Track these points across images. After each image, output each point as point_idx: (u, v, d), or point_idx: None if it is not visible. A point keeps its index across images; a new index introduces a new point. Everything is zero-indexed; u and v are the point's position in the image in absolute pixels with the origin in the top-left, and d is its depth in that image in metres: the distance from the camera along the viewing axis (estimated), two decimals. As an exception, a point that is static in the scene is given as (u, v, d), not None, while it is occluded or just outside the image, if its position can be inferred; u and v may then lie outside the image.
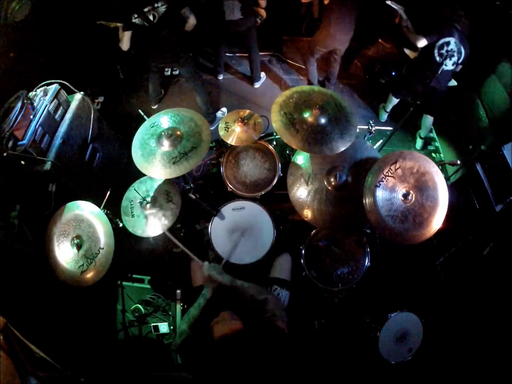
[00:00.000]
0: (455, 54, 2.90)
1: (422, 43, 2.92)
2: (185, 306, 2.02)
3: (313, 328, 2.36)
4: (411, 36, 2.99)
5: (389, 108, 3.67)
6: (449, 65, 2.94)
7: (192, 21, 2.90)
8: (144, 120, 2.27)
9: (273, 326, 1.34)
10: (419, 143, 3.61)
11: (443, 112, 3.54)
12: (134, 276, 2.47)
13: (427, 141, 3.67)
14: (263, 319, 1.42)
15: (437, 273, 2.69)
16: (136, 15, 2.70)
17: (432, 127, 3.63)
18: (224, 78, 4.16)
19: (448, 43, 2.88)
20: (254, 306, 1.53)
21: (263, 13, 3.40)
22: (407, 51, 3.71)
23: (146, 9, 2.68)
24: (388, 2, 3.01)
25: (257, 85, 4.05)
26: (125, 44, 2.85)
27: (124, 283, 2.45)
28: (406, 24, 3.06)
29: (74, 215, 2.02)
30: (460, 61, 2.95)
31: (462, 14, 2.87)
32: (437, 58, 2.93)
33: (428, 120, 3.43)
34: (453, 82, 3.13)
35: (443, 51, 2.91)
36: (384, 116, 3.76)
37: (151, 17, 2.72)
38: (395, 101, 3.57)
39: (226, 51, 4.04)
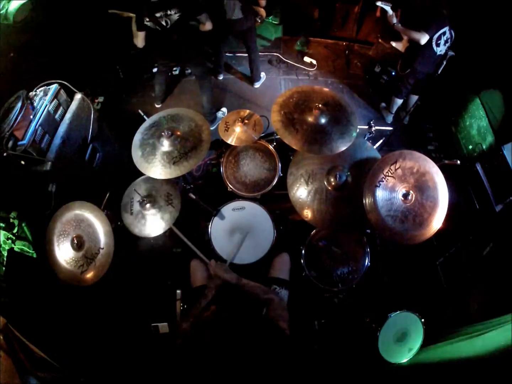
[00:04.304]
0: (449, 40, 2.99)
1: (424, 39, 2.89)
2: (185, 306, 2.02)
3: (313, 328, 2.36)
4: (411, 33, 2.96)
5: (394, 109, 3.67)
6: (443, 50, 3.00)
7: (208, 26, 2.94)
8: (144, 120, 2.28)
9: (275, 327, 1.34)
10: (390, 117, 3.76)
11: (443, 112, 3.55)
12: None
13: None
14: (266, 319, 1.42)
15: (437, 273, 2.69)
16: (147, 19, 2.70)
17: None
18: (224, 78, 4.15)
19: (444, 33, 2.93)
20: (258, 306, 1.52)
21: (263, 12, 3.41)
22: (394, 43, 3.73)
23: (158, 15, 2.68)
24: (378, 3, 3.03)
25: (257, 85, 4.05)
26: (140, 42, 2.88)
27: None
28: (395, 24, 3.09)
29: (74, 215, 2.01)
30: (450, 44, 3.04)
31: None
32: (435, 49, 2.97)
33: (412, 98, 3.54)
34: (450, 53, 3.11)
35: (441, 41, 2.95)
36: (390, 118, 3.76)
37: (163, 23, 2.72)
38: (399, 102, 3.57)
39: (226, 51, 4.04)
